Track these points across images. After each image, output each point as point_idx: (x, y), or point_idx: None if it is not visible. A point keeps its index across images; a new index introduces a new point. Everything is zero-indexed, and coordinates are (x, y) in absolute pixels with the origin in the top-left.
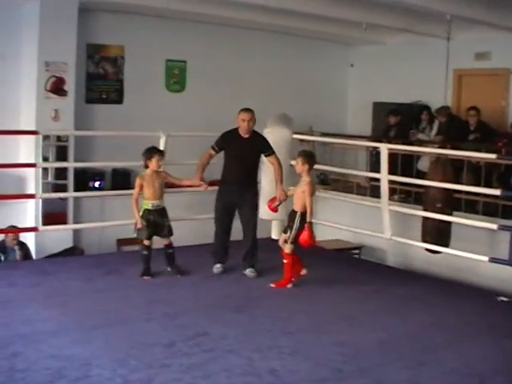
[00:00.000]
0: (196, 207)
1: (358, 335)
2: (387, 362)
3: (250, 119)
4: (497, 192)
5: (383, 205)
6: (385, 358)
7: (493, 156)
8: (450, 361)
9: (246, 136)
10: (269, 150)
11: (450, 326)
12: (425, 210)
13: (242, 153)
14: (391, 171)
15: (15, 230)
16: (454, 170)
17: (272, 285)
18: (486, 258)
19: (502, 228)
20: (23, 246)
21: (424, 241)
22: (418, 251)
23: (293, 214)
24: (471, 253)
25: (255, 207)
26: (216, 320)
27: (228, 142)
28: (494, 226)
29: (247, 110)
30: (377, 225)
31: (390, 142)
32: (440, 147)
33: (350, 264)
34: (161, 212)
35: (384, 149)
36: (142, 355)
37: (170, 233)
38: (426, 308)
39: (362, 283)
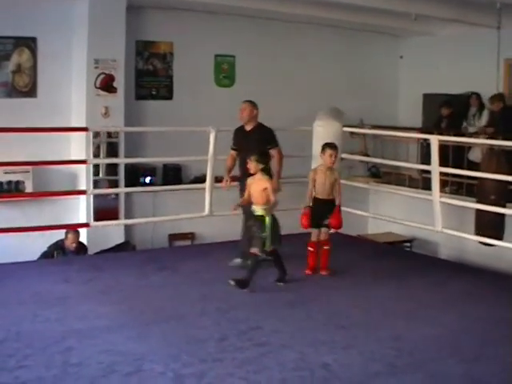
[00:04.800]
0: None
1: (412, 330)
2: (442, 356)
3: (243, 109)
4: None
5: (434, 197)
6: (440, 352)
7: None
8: (506, 356)
9: (249, 128)
10: (271, 143)
11: (507, 321)
12: (478, 201)
13: (246, 145)
14: (442, 163)
15: (66, 226)
16: (508, 161)
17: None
18: None
19: None
20: (83, 247)
21: (477, 233)
22: (470, 244)
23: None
24: None
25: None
26: (269, 314)
27: (237, 136)
28: None
29: (245, 101)
30: (428, 217)
31: (441, 134)
32: (491, 138)
33: (401, 257)
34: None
35: (434, 140)
36: (195, 350)
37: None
38: (482, 302)
39: (415, 277)
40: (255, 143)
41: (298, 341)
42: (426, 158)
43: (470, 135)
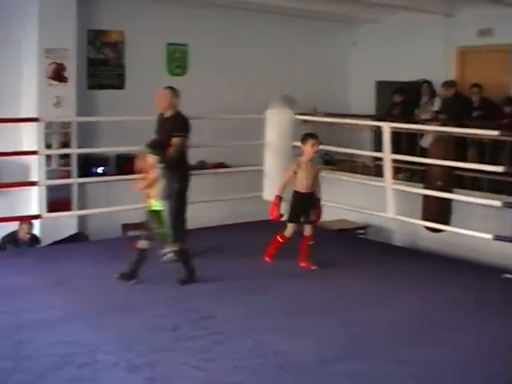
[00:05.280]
0: None
1: (369, 315)
2: (400, 340)
3: (162, 96)
4: (499, 169)
5: (386, 184)
6: (398, 337)
7: (495, 133)
8: (464, 339)
9: (167, 116)
10: (176, 131)
11: (463, 304)
12: (426, 187)
13: (160, 132)
14: (395, 150)
15: (18, 218)
16: (458, 147)
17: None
18: (490, 236)
19: (507, 205)
20: (36, 239)
21: (424, 219)
22: (423, 230)
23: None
24: (476, 231)
25: (172, 193)
26: (222, 303)
27: (156, 122)
28: (498, 203)
29: (166, 87)
30: (382, 204)
31: (393, 121)
32: (442, 125)
33: (355, 244)
34: None
35: (386, 128)
36: (148, 340)
37: None
38: (438, 287)
39: (370, 263)
40: (168, 132)
41: (252, 329)
42: (379, 146)
43: (423, 122)
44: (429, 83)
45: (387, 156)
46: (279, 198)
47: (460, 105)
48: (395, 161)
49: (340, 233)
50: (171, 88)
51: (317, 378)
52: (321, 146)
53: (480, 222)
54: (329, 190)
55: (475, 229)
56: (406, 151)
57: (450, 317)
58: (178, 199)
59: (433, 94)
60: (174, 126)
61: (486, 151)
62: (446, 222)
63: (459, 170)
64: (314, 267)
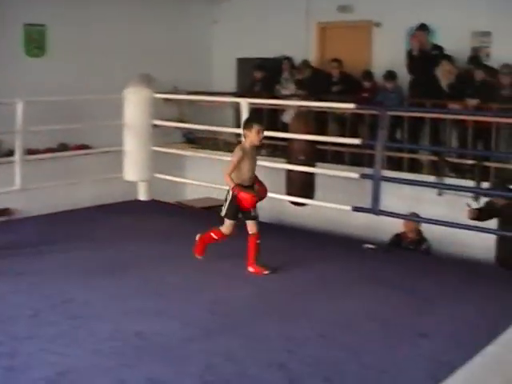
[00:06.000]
0: None
1: (229, 292)
2: (259, 316)
3: None
4: (357, 141)
5: None
6: (257, 312)
7: (352, 106)
8: (323, 311)
9: None
10: None
11: (321, 276)
12: (288, 162)
13: None
14: None
15: None
16: (319, 122)
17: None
18: (349, 207)
19: (364, 176)
20: None
21: (289, 194)
22: (287, 205)
23: None
24: (338, 203)
25: None
26: (81, 285)
27: None
28: (356, 175)
29: None
30: None
31: (255, 97)
32: (302, 100)
33: (219, 221)
34: None
35: (244, 104)
36: (7, 328)
37: None
38: (296, 260)
39: (231, 239)
40: None
41: (112, 311)
42: (240, 122)
43: (284, 98)
44: (289, 59)
45: None
46: (238, 187)
47: (318, 81)
48: None
49: (204, 211)
50: None
51: (176, 357)
52: (183, 125)
53: (341, 194)
54: (193, 168)
55: (337, 201)
56: (267, 127)
57: (310, 289)
58: None
59: (293, 71)
60: None
61: (346, 125)
62: (310, 196)
63: (321, 144)
64: (265, 272)
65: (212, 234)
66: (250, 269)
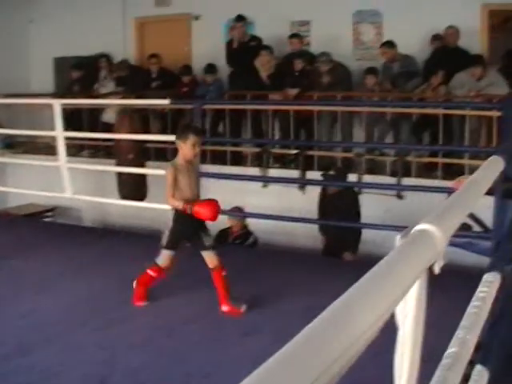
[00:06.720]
0: None
1: (44, 302)
2: (74, 327)
3: None
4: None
5: (61, 163)
6: (72, 323)
7: (166, 102)
8: (140, 316)
9: None
10: None
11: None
12: (118, 163)
13: None
14: (77, 127)
15: None
16: (144, 119)
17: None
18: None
19: None
20: None
21: (121, 194)
22: (114, 207)
23: None
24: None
25: None
26: None
27: None
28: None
29: None
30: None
31: (74, 98)
32: (123, 98)
33: (38, 228)
34: None
35: (56, 105)
36: None
37: None
38: (118, 264)
39: (54, 248)
40: None
41: None
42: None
43: (103, 96)
44: (107, 57)
45: (59, 134)
46: (189, 203)
47: (136, 78)
48: (78, 138)
49: (26, 218)
50: None
51: None
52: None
53: None
54: (12, 174)
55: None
56: (88, 127)
57: (124, 294)
58: None
59: (111, 68)
60: None
61: (167, 121)
62: (142, 196)
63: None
64: (242, 309)
65: (149, 272)
66: (224, 308)
